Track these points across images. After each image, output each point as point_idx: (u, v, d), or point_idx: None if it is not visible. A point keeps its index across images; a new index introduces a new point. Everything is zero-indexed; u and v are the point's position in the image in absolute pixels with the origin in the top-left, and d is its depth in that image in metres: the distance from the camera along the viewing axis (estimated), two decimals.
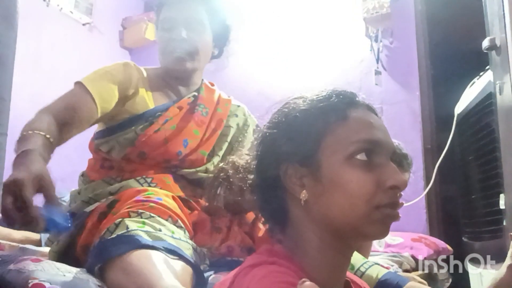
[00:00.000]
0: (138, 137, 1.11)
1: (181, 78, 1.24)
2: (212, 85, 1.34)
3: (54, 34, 2.96)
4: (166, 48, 1.19)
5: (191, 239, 0.91)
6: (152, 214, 0.85)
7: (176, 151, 1.14)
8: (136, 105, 1.15)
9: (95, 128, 1.22)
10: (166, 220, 0.86)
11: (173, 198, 0.96)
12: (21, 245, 1.16)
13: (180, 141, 1.16)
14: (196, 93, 1.27)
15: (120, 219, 0.82)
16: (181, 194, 1.07)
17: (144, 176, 1.07)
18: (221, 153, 1.24)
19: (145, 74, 1.22)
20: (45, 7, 2.89)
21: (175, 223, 0.87)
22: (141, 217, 0.83)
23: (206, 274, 0.93)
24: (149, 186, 1.03)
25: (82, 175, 1.20)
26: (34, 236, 1.77)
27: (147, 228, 0.81)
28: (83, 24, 3.17)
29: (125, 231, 0.79)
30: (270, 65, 2.88)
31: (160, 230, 0.82)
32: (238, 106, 1.34)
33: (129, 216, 0.83)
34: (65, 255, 0.97)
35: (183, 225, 0.89)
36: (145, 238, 0.78)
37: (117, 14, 3.51)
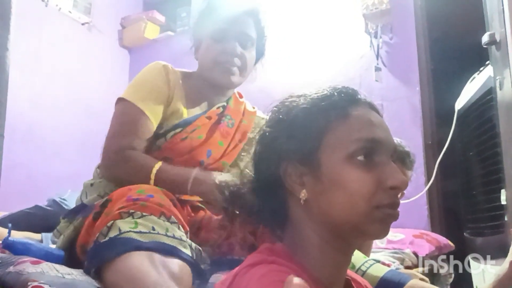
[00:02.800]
0: (166, 142, 1.12)
1: (220, 89, 1.24)
2: (241, 96, 1.34)
3: (53, 34, 2.96)
4: (216, 59, 1.17)
5: (186, 233, 0.90)
6: (144, 213, 0.84)
7: (199, 160, 1.15)
8: (172, 111, 1.15)
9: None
10: (159, 217, 0.85)
11: (165, 193, 0.95)
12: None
13: (204, 151, 1.16)
14: (225, 103, 1.26)
15: (112, 221, 0.81)
16: (194, 198, 1.07)
17: None
18: (242, 164, 1.24)
19: (180, 77, 1.21)
20: (43, 7, 2.90)
21: (168, 219, 0.86)
22: (133, 217, 0.82)
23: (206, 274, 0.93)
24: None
25: (98, 167, 1.18)
26: (35, 236, 1.78)
27: (140, 228, 0.80)
28: (82, 24, 3.17)
29: (118, 233, 0.78)
30: (271, 62, 2.86)
31: (153, 229, 0.81)
32: (263, 118, 1.32)
33: (121, 217, 0.82)
34: (71, 249, 0.96)
35: (176, 221, 0.88)
36: (138, 239, 0.78)
37: (116, 13, 3.51)
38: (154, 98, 1.13)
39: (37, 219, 1.96)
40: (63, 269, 0.75)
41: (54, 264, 0.76)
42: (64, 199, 2.08)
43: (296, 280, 0.39)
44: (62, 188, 2.19)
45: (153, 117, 1.11)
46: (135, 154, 1.06)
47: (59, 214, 1.13)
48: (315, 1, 2.86)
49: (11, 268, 0.71)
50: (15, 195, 2.48)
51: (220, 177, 1.02)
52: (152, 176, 1.01)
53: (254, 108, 1.35)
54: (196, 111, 1.20)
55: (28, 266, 0.71)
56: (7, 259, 0.76)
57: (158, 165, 1.03)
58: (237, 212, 0.73)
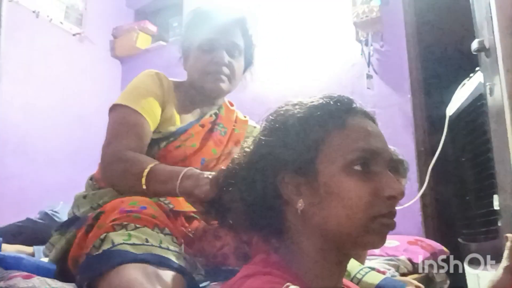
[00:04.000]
0: (160, 151, 1.12)
1: (211, 98, 1.24)
2: (232, 105, 1.34)
3: (44, 45, 2.96)
4: (205, 69, 1.18)
5: (180, 245, 0.89)
6: (138, 225, 0.82)
7: None
8: (164, 120, 1.15)
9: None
10: (153, 229, 0.84)
11: (158, 205, 0.93)
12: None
13: (198, 159, 1.16)
14: (217, 111, 1.27)
15: (105, 234, 0.81)
16: (189, 209, 1.06)
17: None
18: None
19: (172, 85, 1.21)
20: (34, 18, 2.89)
21: (162, 231, 0.85)
22: (126, 229, 0.81)
23: (201, 284, 0.92)
24: (158, 200, 1.02)
25: (91, 179, 1.16)
26: (27, 249, 1.75)
27: (133, 240, 0.79)
28: (74, 35, 3.17)
29: (111, 246, 0.77)
30: (263, 71, 2.88)
31: (146, 241, 0.80)
32: (255, 127, 1.34)
33: (114, 230, 0.81)
34: (64, 262, 0.95)
35: (170, 232, 0.87)
36: (132, 252, 0.76)
37: (108, 23, 3.52)
38: (150, 100, 1.12)
39: (28, 232, 1.94)
40: (55, 283, 0.74)
41: (46, 278, 0.74)
42: (56, 212, 2.06)
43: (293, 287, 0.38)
44: (54, 200, 2.17)
45: (151, 120, 1.10)
46: (132, 153, 1.03)
47: (51, 227, 1.11)
48: (306, 10, 2.88)
49: (2, 284, 0.70)
50: (7, 207, 2.46)
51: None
52: (144, 174, 0.98)
53: (245, 117, 1.36)
54: (189, 119, 1.20)
55: (19, 281, 0.70)
56: None
57: (153, 163, 1.01)
58: (231, 222, 0.72)
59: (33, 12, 2.87)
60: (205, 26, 1.21)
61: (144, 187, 0.98)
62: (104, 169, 1.07)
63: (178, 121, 1.17)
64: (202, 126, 1.20)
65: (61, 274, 0.91)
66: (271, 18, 2.96)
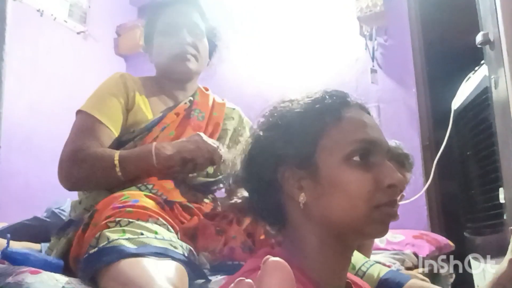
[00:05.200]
0: (137, 146, 1.12)
1: (180, 82, 1.26)
2: (207, 89, 1.35)
3: (49, 43, 2.96)
4: (170, 52, 1.21)
5: (176, 233, 0.89)
6: (131, 220, 0.83)
7: None
8: (136, 116, 1.16)
9: None
10: (146, 221, 0.84)
11: (151, 197, 0.94)
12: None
13: None
14: (191, 98, 1.28)
15: (100, 232, 0.81)
16: (183, 199, 1.06)
17: (145, 183, 1.06)
18: None
19: (140, 82, 1.23)
20: (39, 17, 2.90)
21: (156, 222, 0.86)
22: (120, 226, 0.81)
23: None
24: (150, 192, 1.03)
25: None
26: (34, 246, 1.77)
27: (128, 235, 0.79)
28: (78, 33, 3.17)
29: (107, 242, 0.78)
30: (266, 66, 2.88)
31: (142, 234, 0.80)
32: (233, 108, 1.36)
33: (108, 227, 0.81)
34: (65, 263, 0.96)
35: (165, 222, 0.88)
36: (128, 246, 0.77)
37: (111, 21, 3.52)
38: (111, 106, 1.13)
39: (36, 230, 1.96)
40: (63, 278, 0.74)
41: (53, 274, 0.75)
42: (63, 210, 2.08)
43: (273, 258, 0.38)
44: (61, 197, 2.18)
45: (112, 125, 1.11)
46: (91, 151, 1.04)
47: (58, 225, 1.12)
48: (309, 5, 2.87)
49: (10, 279, 0.71)
50: (13, 204, 2.47)
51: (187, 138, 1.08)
52: (116, 163, 1.01)
53: (223, 99, 1.37)
54: (161, 107, 1.22)
55: (27, 276, 0.71)
56: (6, 269, 0.75)
57: (118, 152, 1.03)
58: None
59: (37, 10, 2.88)
60: (163, 13, 1.25)
61: (119, 173, 1.00)
62: (66, 171, 1.06)
63: (151, 115, 1.18)
64: (177, 114, 1.21)
65: (66, 273, 0.92)
66: (275, 13, 2.96)
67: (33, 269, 0.73)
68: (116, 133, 1.12)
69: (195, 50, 1.22)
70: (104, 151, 1.05)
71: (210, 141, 1.09)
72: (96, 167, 1.02)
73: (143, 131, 1.14)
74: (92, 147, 1.06)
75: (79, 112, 1.15)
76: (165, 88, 1.25)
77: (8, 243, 0.83)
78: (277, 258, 0.38)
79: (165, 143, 1.07)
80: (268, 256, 0.38)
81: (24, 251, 0.82)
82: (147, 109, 1.18)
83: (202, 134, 1.11)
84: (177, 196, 1.06)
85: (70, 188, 1.09)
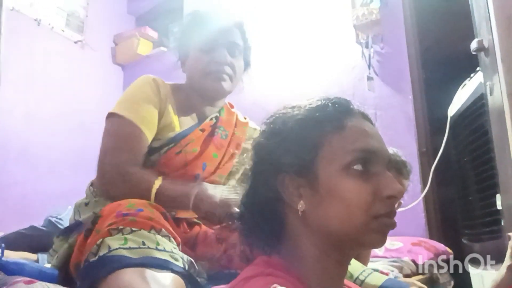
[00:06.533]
0: (161, 158, 1.11)
1: (212, 99, 1.24)
2: (232, 107, 1.34)
3: (46, 53, 2.98)
4: (207, 69, 1.18)
5: (178, 245, 0.89)
6: (134, 228, 0.82)
7: (194, 174, 1.14)
8: (164, 126, 1.15)
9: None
10: (149, 231, 0.84)
11: (155, 207, 0.93)
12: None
13: (199, 165, 1.15)
14: (217, 115, 1.27)
15: (101, 240, 0.81)
16: (191, 215, 1.06)
17: None
18: (237, 176, 1.24)
19: (170, 91, 1.21)
20: (36, 26, 2.91)
21: (158, 232, 0.85)
22: (123, 234, 0.81)
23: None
24: None
25: (91, 185, 1.16)
26: (31, 256, 1.76)
27: (129, 244, 0.79)
28: (75, 42, 3.19)
29: (107, 251, 0.77)
30: (263, 74, 2.89)
31: (143, 244, 0.80)
32: (255, 129, 1.33)
33: (110, 235, 0.81)
34: (67, 267, 0.95)
35: (167, 234, 0.87)
36: (128, 256, 0.76)
37: (109, 30, 3.53)
38: (148, 109, 1.11)
39: (33, 240, 1.95)
40: None
41: (48, 284, 0.74)
42: (59, 219, 2.07)
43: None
44: (59, 206, 2.17)
45: (148, 131, 1.10)
46: (133, 170, 1.04)
47: (54, 234, 1.12)
48: (306, 14, 2.89)
49: None
50: (9, 214, 2.46)
51: (220, 192, 1.03)
52: (153, 195, 1.00)
53: (245, 118, 1.35)
54: (189, 122, 1.20)
55: (21, 286, 0.70)
56: (0, 280, 0.75)
57: (159, 182, 1.02)
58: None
59: (35, 20, 2.89)
60: (204, 27, 1.21)
61: (152, 199, 0.99)
62: (106, 186, 1.06)
63: (178, 126, 1.16)
64: (203, 130, 1.19)
65: (65, 280, 0.91)
66: (271, 21, 2.97)
67: (28, 279, 0.73)
68: (150, 139, 1.11)
69: (231, 70, 1.20)
70: (144, 176, 1.04)
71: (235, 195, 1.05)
72: (134, 191, 1.01)
73: (169, 143, 1.13)
74: (133, 163, 1.05)
75: (113, 115, 1.11)
76: (194, 102, 1.23)
77: (2, 253, 0.83)
78: None
79: (206, 192, 1.04)
80: (275, 285, 0.38)
81: (18, 261, 0.82)
82: (176, 121, 1.17)
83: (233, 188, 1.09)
84: (185, 213, 1.06)
85: (108, 199, 1.07)
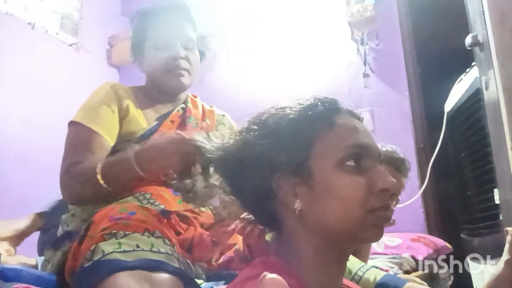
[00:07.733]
0: None
1: (173, 95, 1.26)
2: (195, 97, 1.36)
3: (41, 56, 2.96)
4: (164, 66, 1.20)
5: (172, 246, 0.89)
6: (127, 232, 0.82)
7: None
8: (130, 125, 1.15)
9: None
10: (143, 234, 0.83)
11: (148, 209, 0.93)
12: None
13: None
14: (184, 105, 1.29)
15: (95, 245, 0.80)
16: (180, 208, 1.06)
17: (143, 193, 1.05)
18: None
19: (131, 92, 1.23)
20: (30, 30, 2.89)
21: (152, 234, 0.85)
22: (116, 238, 0.81)
23: (203, 287, 0.92)
24: (148, 202, 1.02)
25: None
26: (30, 261, 1.75)
27: (124, 247, 0.78)
28: (70, 45, 3.17)
29: (101, 256, 0.77)
30: (258, 72, 2.88)
31: (137, 247, 0.79)
32: (223, 115, 1.37)
33: (104, 239, 0.80)
34: (61, 276, 0.95)
35: (161, 235, 0.86)
36: (123, 259, 0.76)
37: (103, 32, 3.52)
38: (105, 115, 1.12)
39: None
40: None
41: None
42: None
43: (270, 275, 0.38)
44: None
45: (107, 134, 1.10)
46: (79, 167, 1.04)
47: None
48: (300, 11, 2.89)
49: None
50: (8, 218, 2.45)
51: (170, 134, 0.99)
52: (99, 176, 0.98)
53: (211, 106, 1.38)
54: (153, 115, 1.21)
55: None
56: None
57: (101, 161, 1.01)
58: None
59: (29, 23, 2.87)
60: (154, 24, 1.24)
61: (101, 181, 0.98)
62: (64, 192, 1.08)
63: (143, 119, 1.18)
64: (172, 122, 1.21)
65: (62, 286, 0.91)
66: (266, 19, 2.97)
67: (25, 285, 0.72)
68: (112, 142, 1.11)
69: (188, 64, 1.22)
70: (86, 166, 1.03)
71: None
72: (84, 182, 1.01)
73: (140, 140, 1.12)
74: (86, 162, 1.04)
75: (71, 123, 1.14)
76: (157, 98, 1.26)
77: None
78: (274, 275, 0.38)
79: (147, 142, 1.02)
80: (265, 273, 0.38)
81: (16, 267, 0.81)
82: (141, 117, 1.18)
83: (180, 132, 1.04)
84: (174, 206, 1.05)
85: (73, 204, 1.09)
